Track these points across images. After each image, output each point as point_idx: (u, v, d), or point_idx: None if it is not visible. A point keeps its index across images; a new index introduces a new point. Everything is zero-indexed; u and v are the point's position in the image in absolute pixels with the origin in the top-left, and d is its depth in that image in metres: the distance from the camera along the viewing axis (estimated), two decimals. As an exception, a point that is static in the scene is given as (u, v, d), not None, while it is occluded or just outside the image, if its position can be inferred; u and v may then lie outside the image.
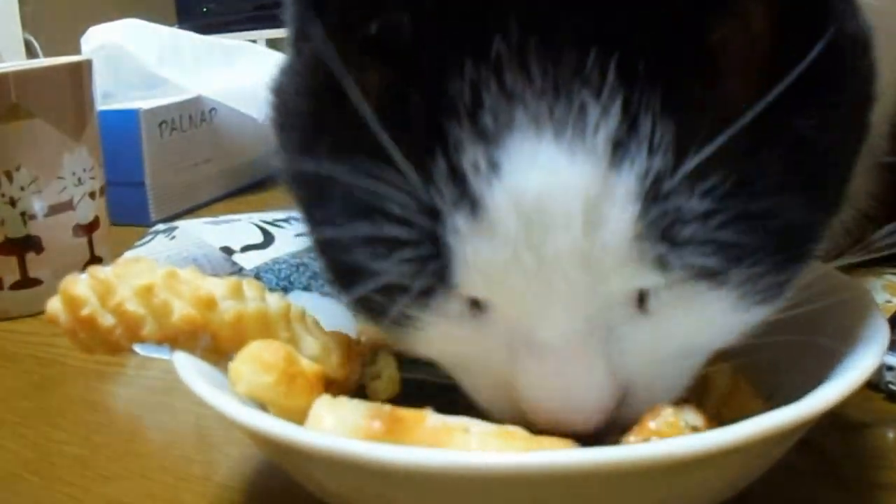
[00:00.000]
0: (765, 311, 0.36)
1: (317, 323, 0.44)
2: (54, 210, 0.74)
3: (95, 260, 0.77)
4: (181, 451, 0.50)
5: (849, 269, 0.55)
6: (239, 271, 0.67)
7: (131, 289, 0.39)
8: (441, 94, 0.31)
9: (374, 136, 0.31)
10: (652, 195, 0.30)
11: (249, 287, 0.41)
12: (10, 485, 0.47)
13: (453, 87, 0.30)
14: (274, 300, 0.42)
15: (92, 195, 0.77)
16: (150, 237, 0.77)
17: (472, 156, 0.30)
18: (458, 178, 0.31)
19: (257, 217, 0.79)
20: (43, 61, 0.84)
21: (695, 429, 0.36)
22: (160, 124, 1.01)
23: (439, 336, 0.37)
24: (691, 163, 0.30)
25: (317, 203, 0.37)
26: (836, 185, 0.37)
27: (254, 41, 1.40)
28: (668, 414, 0.36)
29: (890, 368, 0.48)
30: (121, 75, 1.11)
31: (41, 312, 0.71)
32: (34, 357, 0.65)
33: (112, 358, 0.61)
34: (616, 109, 0.29)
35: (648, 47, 0.30)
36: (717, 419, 0.39)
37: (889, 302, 0.55)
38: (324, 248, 0.38)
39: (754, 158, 0.32)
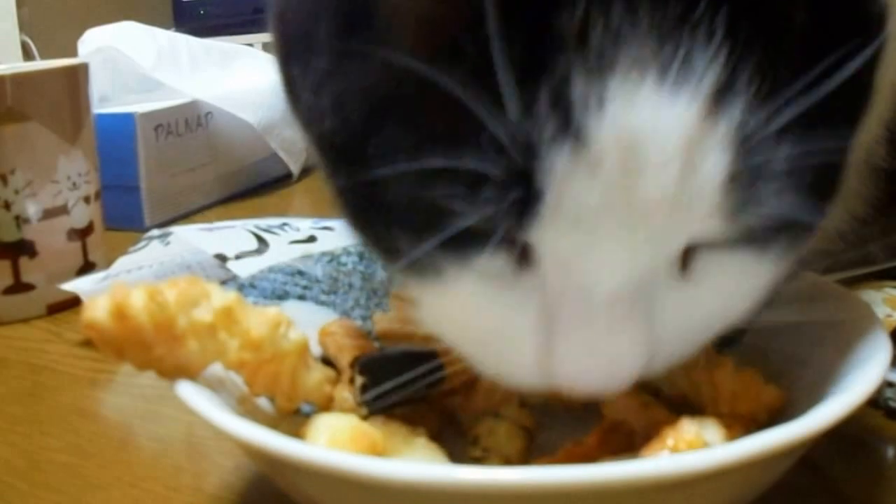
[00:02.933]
0: (784, 266, 0.37)
1: (312, 356, 0.44)
2: (49, 214, 0.74)
3: (89, 265, 0.77)
4: (172, 461, 0.50)
5: (848, 281, 0.55)
6: (233, 279, 0.67)
7: (190, 323, 0.38)
8: (546, 28, 0.30)
9: (480, 53, 0.30)
10: (745, 147, 0.31)
11: (283, 321, 0.41)
12: (-1, 492, 0.47)
13: (560, 22, 0.29)
14: (294, 334, 0.42)
15: (87, 199, 0.77)
16: (144, 243, 0.76)
17: (580, 89, 0.30)
18: (562, 112, 0.30)
19: (252, 223, 0.78)
20: (39, 64, 0.84)
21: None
22: (156, 128, 1.00)
23: (466, 295, 0.35)
24: (783, 117, 0.31)
25: (366, 136, 0.34)
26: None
27: (250, 45, 1.40)
28: (689, 431, 0.36)
29: (890, 385, 0.48)
30: (117, 78, 1.11)
31: (34, 318, 0.72)
32: (26, 363, 0.65)
33: (104, 365, 0.62)
34: (722, 59, 0.30)
35: (753, 4, 0.30)
36: (736, 418, 0.40)
37: (889, 316, 0.54)
38: (363, 190, 0.36)
39: (819, 125, 0.32)
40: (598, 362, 0.34)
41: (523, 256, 0.34)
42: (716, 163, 0.31)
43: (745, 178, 0.31)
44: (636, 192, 0.31)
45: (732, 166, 0.31)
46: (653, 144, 0.30)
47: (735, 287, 0.36)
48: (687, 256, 0.34)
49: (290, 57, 0.38)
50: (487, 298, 0.35)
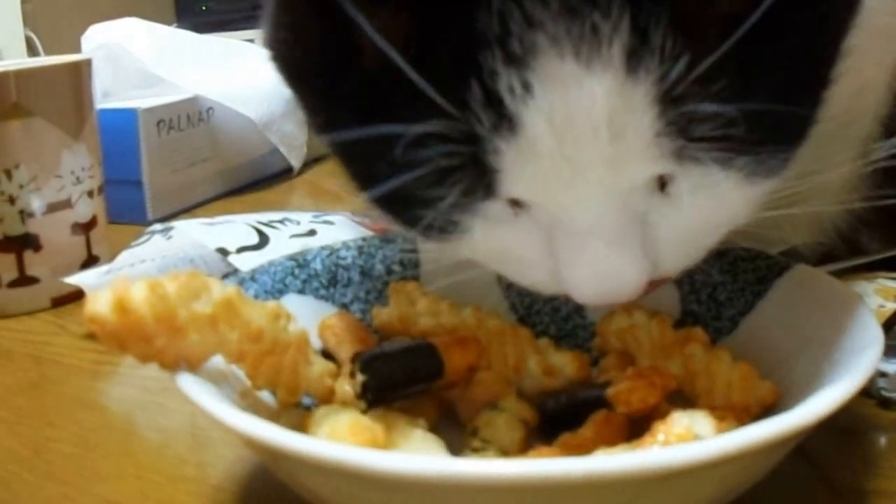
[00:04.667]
0: (770, 183, 0.39)
1: (312, 349, 0.45)
2: (53, 208, 0.74)
3: (93, 259, 0.78)
4: (175, 452, 0.50)
5: (841, 272, 0.55)
6: (234, 273, 0.67)
7: (190, 315, 0.38)
8: (470, 28, 0.33)
9: (402, 79, 0.33)
10: (667, 99, 0.33)
11: (283, 314, 0.42)
12: (5, 482, 0.48)
13: (482, 21, 0.32)
14: (294, 327, 0.43)
15: (90, 194, 0.77)
16: (146, 237, 0.77)
17: (506, 80, 0.33)
18: (495, 103, 0.33)
19: (253, 218, 0.79)
20: (43, 60, 0.84)
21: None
22: (158, 123, 1.01)
23: (483, 236, 0.40)
24: (700, 68, 0.32)
25: (362, 166, 0.40)
26: (828, 70, 0.39)
27: (251, 40, 1.40)
28: (679, 424, 0.37)
29: (883, 375, 0.48)
30: (120, 74, 1.11)
31: (38, 310, 0.73)
32: (31, 355, 0.66)
33: (107, 357, 0.62)
34: (625, 25, 0.32)
35: None
36: (729, 409, 0.40)
37: (882, 307, 0.55)
38: (383, 199, 0.41)
39: (756, 63, 0.34)
40: (599, 278, 0.38)
41: (515, 202, 0.38)
42: (642, 119, 0.33)
43: (677, 126, 0.34)
44: (576, 158, 0.34)
45: (660, 118, 0.33)
46: (579, 117, 0.33)
47: (712, 196, 0.38)
48: (664, 179, 0.37)
49: None
50: (500, 236, 0.39)
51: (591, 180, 0.35)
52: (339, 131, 0.38)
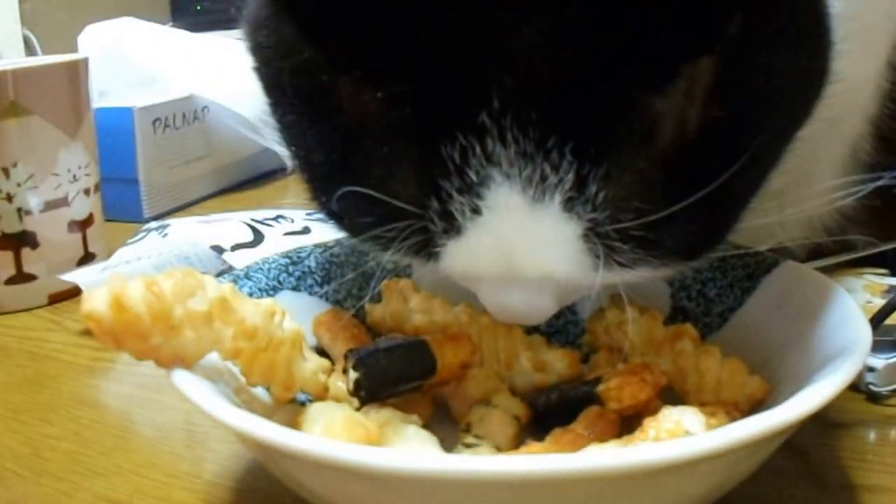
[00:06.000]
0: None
1: (307, 345, 0.45)
2: (50, 206, 0.75)
3: (89, 256, 0.78)
4: (171, 448, 0.50)
5: (829, 269, 0.56)
6: (229, 270, 0.67)
7: (186, 313, 0.39)
8: (435, 154, 0.36)
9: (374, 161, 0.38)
10: (594, 238, 0.37)
11: (277, 311, 0.43)
12: (1, 479, 0.48)
13: (445, 150, 0.36)
14: (288, 324, 0.43)
15: (87, 192, 0.78)
16: (142, 235, 0.77)
17: (458, 203, 0.37)
18: (448, 216, 0.37)
19: (247, 216, 0.79)
20: (41, 59, 0.84)
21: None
22: (154, 122, 1.01)
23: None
24: (624, 223, 0.36)
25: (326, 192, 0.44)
26: (768, 165, 0.41)
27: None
28: (669, 421, 0.37)
29: (871, 369, 0.49)
30: (116, 73, 1.11)
31: (35, 307, 0.73)
32: (27, 352, 0.66)
33: (104, 354, 0.63)
34: (569, 179, 0.35)
35: (598, 126, 0.35)
36: (719, 406, 0.40)
37: (869, 302, 0.55)
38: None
39: (674, 222, 0.37)
40: (508, 312, 0.42)
41: None
42: (570, 247, 0.37)
43: (601, 252, 0.37)
44: (512, 267, 0.38)
45: (585, 244, 0.37)
46: (520, 245, 0.37)
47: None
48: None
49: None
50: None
51: (526, 284, 0.39)
52: (307, 161, 0.46)
